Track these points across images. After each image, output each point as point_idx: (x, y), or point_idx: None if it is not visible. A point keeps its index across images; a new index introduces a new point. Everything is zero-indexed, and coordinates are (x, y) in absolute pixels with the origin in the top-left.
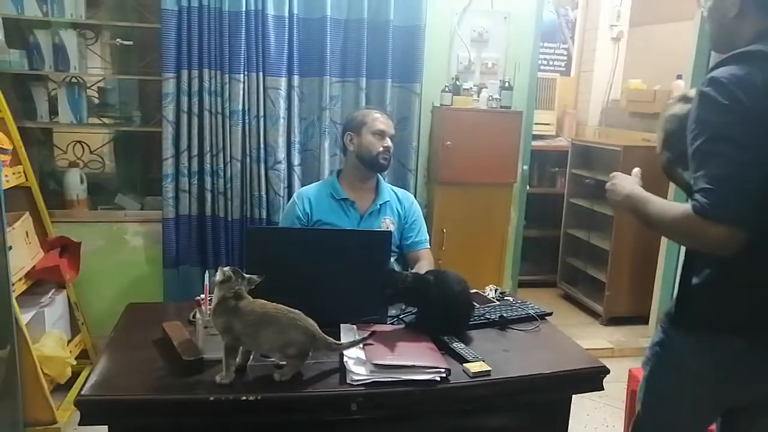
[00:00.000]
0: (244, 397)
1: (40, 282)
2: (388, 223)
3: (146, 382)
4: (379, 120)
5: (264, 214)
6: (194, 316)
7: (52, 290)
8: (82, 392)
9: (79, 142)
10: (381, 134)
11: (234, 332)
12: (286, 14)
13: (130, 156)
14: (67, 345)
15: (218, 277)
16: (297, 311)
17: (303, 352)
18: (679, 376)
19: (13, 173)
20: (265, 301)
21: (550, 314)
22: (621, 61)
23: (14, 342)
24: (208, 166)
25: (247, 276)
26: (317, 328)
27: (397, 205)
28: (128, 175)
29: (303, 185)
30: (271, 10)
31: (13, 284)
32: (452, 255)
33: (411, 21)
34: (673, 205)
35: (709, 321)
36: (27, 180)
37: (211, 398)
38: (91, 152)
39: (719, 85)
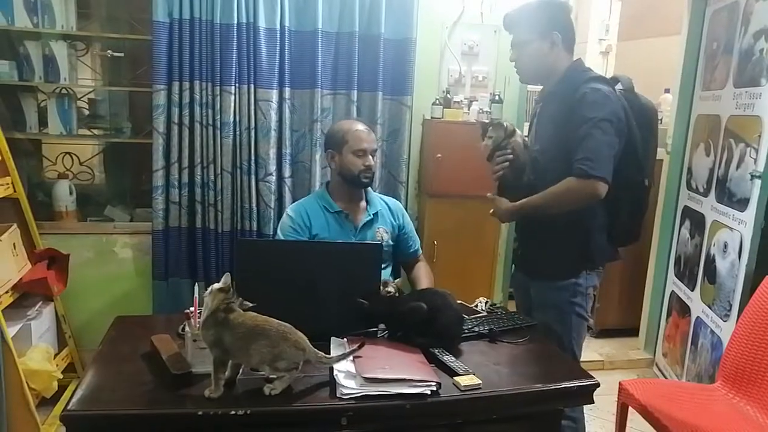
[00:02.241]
0: (233, 411)
1: (27, 294)
2: (381, 232)
3: (134, 397)
4: (361, 138)
5: (254, 227)
6: (183, 329)
7: (39, 303)
8: (68, 407)
9: (69, 153)
10: (363, 153)
11: (223, 345)
12: (278, 27)
13: (119, 167)
14: (54, 358)
15: (219, 284)
16: (287, 324)
17: (293, 366)
18: None
19: (1, 184)
20: (256, 314)
21: (536, 324)
22: (610, 75)
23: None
24: (198, 178)
25: (240, 299)
26: (307, 341)
27: (389, 216)
28: (118, 187)
29: (294, 197)
30: (262, 23)
31: None
32: (443, 267)
33: (402, 34)
34: (557, 186)
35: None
36: (15, 191)
37: (200, 413)
38: (80, 163)
39: (598, 93)
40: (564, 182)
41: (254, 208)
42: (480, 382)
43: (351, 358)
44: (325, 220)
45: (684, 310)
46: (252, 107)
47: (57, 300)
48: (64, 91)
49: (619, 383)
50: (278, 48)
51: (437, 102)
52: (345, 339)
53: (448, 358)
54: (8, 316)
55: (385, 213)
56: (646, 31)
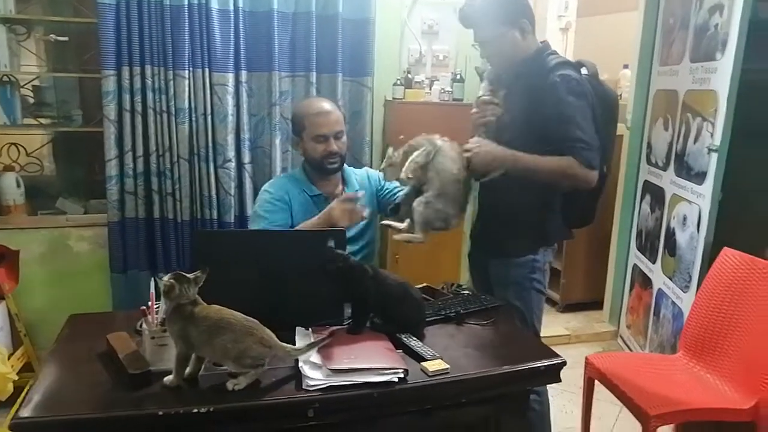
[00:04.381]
0: (195, 410)
1: None
2: (360, 210)
3: (89, 400)
4: (319, 124)
5: (215, 215)
6: (141, 326)
7: None
8: (18, 415)
9: (14, 144)
10: (323, 138)
11: (189, 339)
12: (231, 8)
13: (70, 158)
14: (9, 359)
15: (162, 289)
16: (254, 320)
17: (258, 362)
18: None
19: None
20: (221, 308)
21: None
22: (570, 51)
23: None
24: (154, 167)
25: (192, 276)
26: (274, 338)
27: (368, 188)
28: (70, 178)
29: (255, 184)
30: (215, 4)
31: None
32: (410, 249)
33: (360, 14)
34: (558, 160)
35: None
36: None
37: (160, 413)
38: (27, 154)
39: (572, 80)
40: (566, 160)
41: (214, 195)
42: (448, 366)
43: (317, 348)
44: (303, 202)
45: (646, 282)
46: (207, 92)
47: (9, 298)
48: (5, 78)
49: (585, 358)
50: (233, 30)
51: (398, 82)
52: (310, 329)
53: (416, 343)
54: None
55: (364, 188)
56: (605, 7)
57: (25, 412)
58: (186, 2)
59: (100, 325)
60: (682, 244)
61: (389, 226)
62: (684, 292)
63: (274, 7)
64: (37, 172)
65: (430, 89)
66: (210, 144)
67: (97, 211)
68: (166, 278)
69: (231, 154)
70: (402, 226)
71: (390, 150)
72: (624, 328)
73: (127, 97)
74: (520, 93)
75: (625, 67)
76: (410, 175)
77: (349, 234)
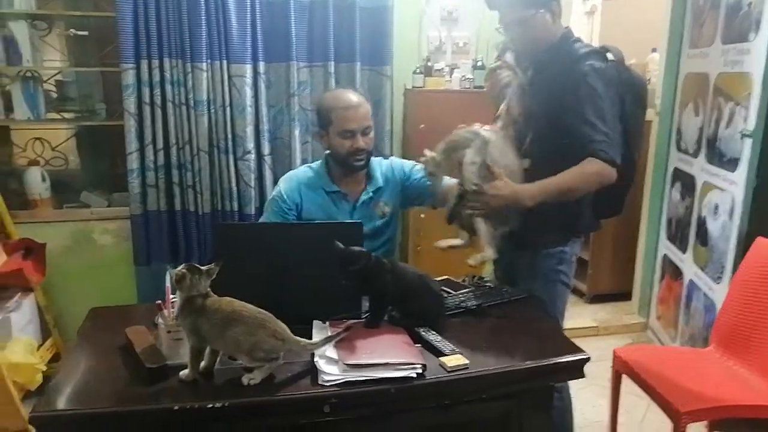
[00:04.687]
0: (210, 405)
1: (4, 287)
2: (381, 207)
3: (107, 394)
4: (346, 118)
5: (235, 207)
6: (158, 320)
7: (18, 294)
8: (37, 409)
9: (39, 138)
10: (349, 133)
11: (201, 333)
12: None
13: (94, 151)
14: (38, 350)
15: (172, 279)
16: (266, 313)
17: (271, 356)
18: None
19: None
20: (233, 300)
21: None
22: (595, 36)
23: None
24: (174, 159)
25: (205, 268)
26: (288, 331)
27: (392, 184)
28: (93, 172)
29: (275, 175)
30: None
31: None
32: (431, 240)
33: (378, 1)
34: (581, 169)
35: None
36: None
37: (176, 407)
38: (52, 149)
39: (599, 71)
40: (589, 166)
41: (234, 188)
42: (467, 362)
43: (334, 342)
44: (319, 199)
45: (676, 273)
46: (226, 84)
47: (37, 290)
48: (28, 73)
49: (613, 351)
50: (249, 20)
51: (418, 70)
52: (327, 323)
53: (434, 338)
54: None
55: (388, 185)
56: None
57: (44, 407)
58: None
59: (120, 319)
60: (714, 233)
61: (451, 247)
62: (716, 283)
63: None
64: (61, 166)
65: (451, 77)
66: (229, 136)
67: (120, 204)
68: (178, 269)
69: (250, 145)
70: (459, 242)
71: (428, 153)
72: (654, 320)
73: (146, 90)
74: (546, 82)
75: (654, 50)
76: (476, 182)
77: (370, 229)
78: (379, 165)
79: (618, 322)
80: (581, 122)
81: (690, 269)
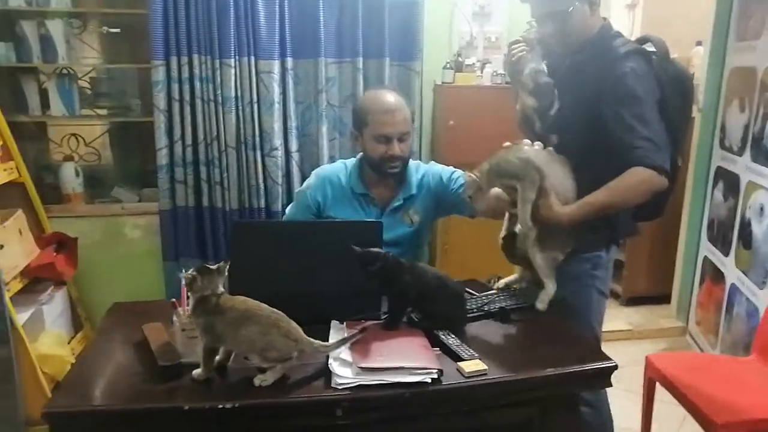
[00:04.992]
0: (220, 405)
1: (39, 280)
2: (411, 215)
3: (120, 391)
4: (383, 122)
5: (262, 204)
6: (173, 318)
7: (51, 287)
8: (49, 405)
9: (74, 134)
10: (385, 138)
11: (215, 332)
12: None
13: (126, 147)
14: (69, 342)
15: (183, 282)
16: (280, 312)
17: (284, 357)
18: None
19: (4, 169)
20: (246, 298)
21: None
22: (636, 30)
23: (10, 342)
24: (202, 156)
25: (215, 267)
26: (301, 332)
27: (425, 192)
28: (125, 167)
29: (303, 173)
30: None
31: (7, 283)
32: (460, 240)
33: None
34: (623, 181)
35: None
36: (20, 176)
37: (186, 407)
38: (86, 144)
39: (643, 71)
40: (635, 174)
41: (261, 184)
42: (485, 367)
43: (348, 344)
44: (346, 200)
45: (718, 276)
46: (254, 80)
47: (70, 284)
48: (64, 71)
49: (646, 357)
50: (278, 16)
51: (448, 66)
52: (344, 324)
53: (454, 341)
54: (20, 302)
55: (421, 191)
56: None
57: (56, 403)
58: None
59: (140, 315)
60: (759, 236)
61: (508, 288)
62: (760, 289)
63: None
64: (94, 161)
65: (482, 72)
66: (257, 132)
67: (150, 199)
68: (188, 272)
69: (278, 142)
70: (514, 277)
71: (470, 175)
72: (693, 324)
73: (176, 87)
74: (582, 84)
75: (698, 44)
76: (530, 225)
77: (394, 237)
78: (416, 171)
79: (654, 326)
80: (622, 129)
81: (732, 273)
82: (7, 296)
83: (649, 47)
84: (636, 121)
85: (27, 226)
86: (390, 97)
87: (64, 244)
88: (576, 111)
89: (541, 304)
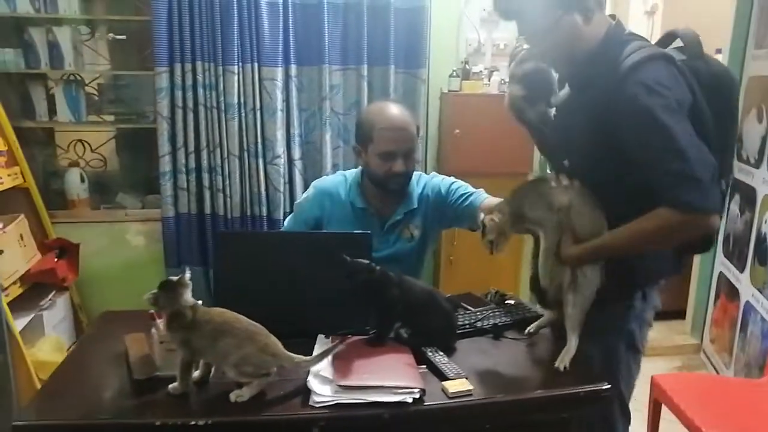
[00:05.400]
0: (193, 422)
1: (41, 285)
2: (411, 230)
3: (92, 404)
4: (388, 139)
5: (264, 211)
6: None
7: (53, 293)
8: (18, 418)
9: (80, 140)
10: (390, 156)
11: (192, 346)
12: (281, 1)
13: (131, 153)
14: (69, 348)
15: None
16: (259, 326)
17: (260, 372)
18: None
19: (9, 175)
20: (224, 311)
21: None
22: (656, 36)
23: (6, 347)
24: (205, 163)
25: (175, 279)
26: (280, 346)
27: (427, 205)
28: (130, 173)
29: (305, 180)
30: None
31: (5, 288)
32: (465, 250)
33: (414, 2)
34: (645, 222)
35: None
36: (25, 181)
37: (157, 423)
38: (92, 150)
39: (660, 84)
40: (657, 218)
41: (263, 192)
42: (471, 387)
43: (331, 360)
44: (345, 214)
45: (733, 293)
46: (257, 87)
47: (72, 289)
48: (71, 77)
49: (651, 378)
50: (282, 23)
51: (455, 74)
52: (329, 338)
53: (441, 359)
54: (20, 307)
55: (421, 205)
56: None
57: (25, 416)
58: None
59: (128, 324)
60: None
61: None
62: None
63: None
64: (100, 167)
65: (489, 80)
66: (259, 140)
67: (154, 206)
68: (148, 294)
69: (280, 150)
70: (545, 320)
71: (486, 218)
72: (707, 342)
73: (179, 94)
74: (592, 102)
75: (718, 51)
76: (549, 280)
77: (392, 252)
78: (417, 184)
79: (668, 343)
80: (645, 161)
81: (747, 290)
82: (4, 301)
83: (676, 51)
84: (659, 151)
85: (29, 232)
86: (396, 112)
87: (67, 250)
88: (587, 135)
89: (561, 363)
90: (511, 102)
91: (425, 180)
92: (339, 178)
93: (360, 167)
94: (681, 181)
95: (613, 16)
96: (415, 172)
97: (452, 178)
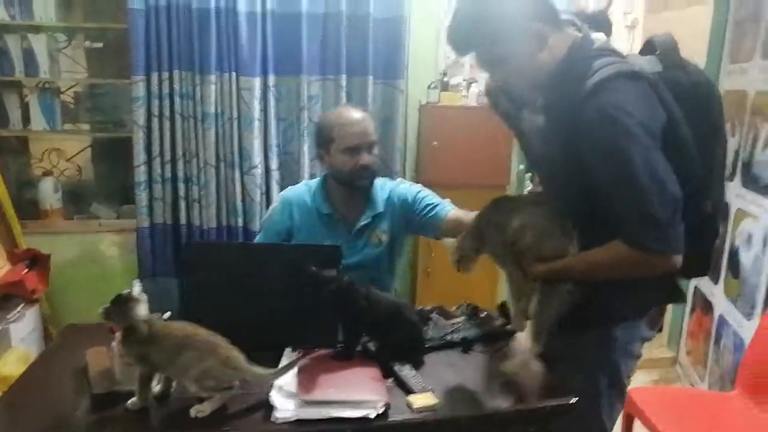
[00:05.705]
0: None
1: (9, 297)
2: (378, 235)
3: (48, 420)
4: (349, 133)
5: (240, 222)
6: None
7: (22, 305)
8: None
9: (55, 149)
10: (354, 150)
11: (150, 360)
12: (259, 10)
13: (107, 162)
14: None
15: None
16: (221, 338)
17: (222, 385)
18: None
19: None
20: (185, 324)
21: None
22: (636, 50)
23: None
24: (181, 173)
25: (125, 293)
26: (242, 359)
27: (394, 210)
28: (105, 183)
29: (282, 190)
30: (242, 7)
31: None
32: (443, 263)
33: (393, 12)
34: (603, 253)
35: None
36: None
37: None
38: (67, 160)
39: (618, 109)
40: (614, 250)
41: (239, 202)
42: (436, 401)
43: (296, 374)
44: (313, 221)
45: (707, 306)
46: (234, 96)
47: (42, 301)
48: (46, 85)
49: (627, 392)
50: (260, 33)
51: (433, 85)
52: (296, 352)
53: (408, 373)
54: None
55: (390, 210)
56: (674, 2)
57: None
58: (213, 6)
59: (92, 337)
60: (747, 265)
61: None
62: (747, 320)
63: (302, 9)
64: (75, 177)
65: (467, 92)
66: (236, 149)
67: (129, 216)
68: (101, 308)
69: (257, 159)
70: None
71: (448, 242)
72: (683, 355)
73: (155, 102)
74: (556, 128)
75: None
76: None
77: (363, 258)
78: (381, 189)
79: (645, 355)
80: (608, 198)
81: (720, 303)
82: None
83: (649, 63)
84: (617, 184)
85: None
86: (353, 110)
87: (37, 261)
88: (556, 154)
89: (511, 367)
90: (487, 89)
91: (390, 186)
92: (303, 188)
93: (322, 177)
94: (637, 219)
95: (581, 37)
96: (379, 179)
97: (419, 186)
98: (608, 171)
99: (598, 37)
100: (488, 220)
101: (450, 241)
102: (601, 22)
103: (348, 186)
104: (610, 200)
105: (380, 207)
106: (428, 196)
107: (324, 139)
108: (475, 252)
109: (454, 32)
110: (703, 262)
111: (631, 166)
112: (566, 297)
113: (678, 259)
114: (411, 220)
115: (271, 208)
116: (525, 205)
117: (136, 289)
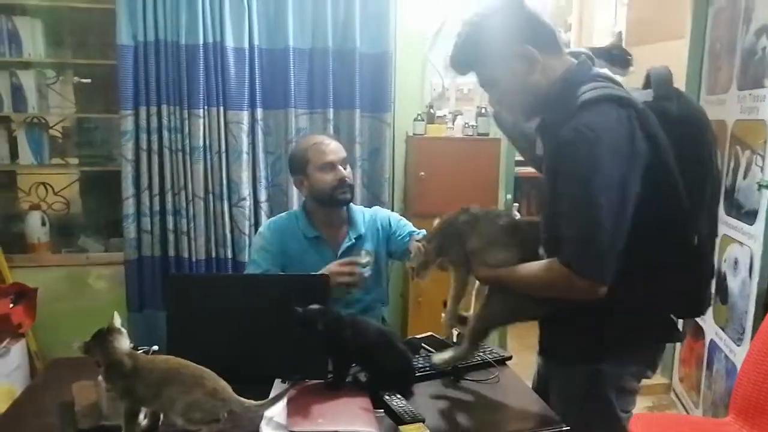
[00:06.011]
0: None
1: None
2: (363, 255)
3: None
4: (323, 151)
5: (229, 254)
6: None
7: (8, 340)
8: None
9: (43, 183)
10: (330, 166)
11: (135, 395)
12: (246, 46)
13: (95, 196)
14: None
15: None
16: (207, 370)
17: (210, 417)
18: None
19: None
20: (169, 357)
21: (509, 358)
22: (618, 79)
23: None
24: (169, 205)
25: (105, 329)
26: (230, 390)
27: (375, 232)
28: (93, 216)
29: None
30: (230, 42)
31: None
32: (431, 292)
33: (379, 47)
34: (538, 268)
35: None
36: None
37: None
38: (55, 193)
39: (597, 131)
40: (547, 267)
41: (228, 234)
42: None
43: (285, 405)
44: (301, 245)
45: (698, 331)
46: (222, 130)
47: (29, 335)
48: (35, 120)
49: None
50: (248, 68)
51: (419, 117)
52: (286, 383)
53: (398, 403)
54: None
55: (371, 232)
56: (652, 36)
57: None
58: (201, 42)
59: (78, 372)
60: (734, 291)
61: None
62: (737, 345)
63: (290, 44)
64: (63, 210)
65: (453, 124)
66: (224, 182)
67: (117, 249)
68: (78, 342)
69: (246, 192)
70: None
71: (413, 245)
72: (677, 382)
73: (144, 137)
74: (546, 150)
75: None
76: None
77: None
78: (361, 212)
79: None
80: (560, 215)
81: (711, 329)
82: None
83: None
84: (570, 201)
85: None
86: (322, 134)
87: (24, 295)
88: (547, 174)
89: (439, 359)
90: (494, 115)
91: (370, 212)
92: (285, 216)
93: (301, 204)
94: (577, 239)
95: (577, 63)
96: (357, 207)
97: (398, 215)
98: (566, 188)
99: (604, 70)
100: (452, 223)
101: (415, 245)
102: (616, 56)
103: (329, 204)
104: (560, 216)
105: (362, 228)
106: (408, 225)
107: (300, 164)
108: (435, 256)
109: (453, 53)
110: (695, 302)
111: (589, 188)
112: (513, 304)
113: (602, 291)
114: (390, 244)
115: (258, 238)
116: (488, 216)
117: (117, 321)
